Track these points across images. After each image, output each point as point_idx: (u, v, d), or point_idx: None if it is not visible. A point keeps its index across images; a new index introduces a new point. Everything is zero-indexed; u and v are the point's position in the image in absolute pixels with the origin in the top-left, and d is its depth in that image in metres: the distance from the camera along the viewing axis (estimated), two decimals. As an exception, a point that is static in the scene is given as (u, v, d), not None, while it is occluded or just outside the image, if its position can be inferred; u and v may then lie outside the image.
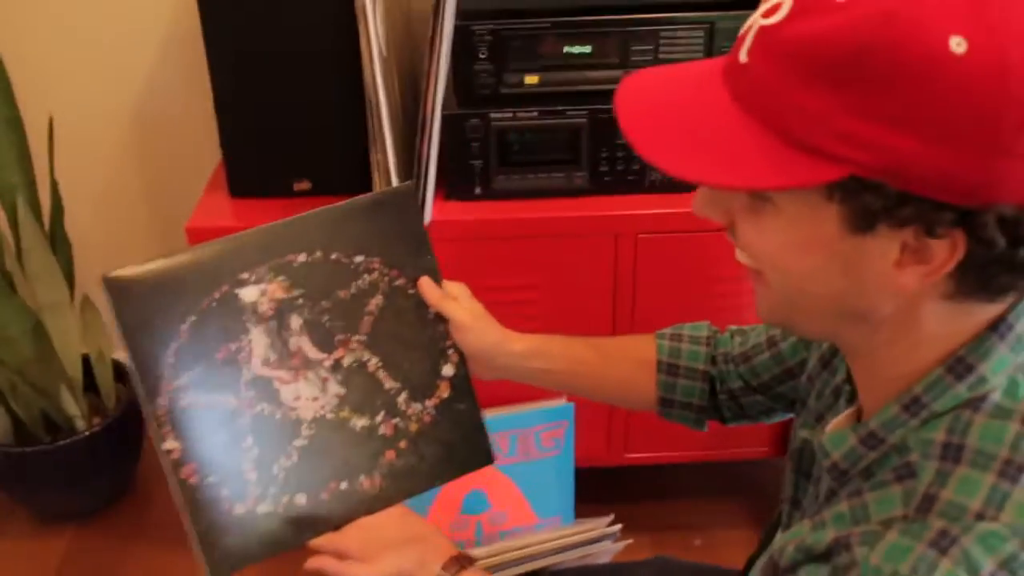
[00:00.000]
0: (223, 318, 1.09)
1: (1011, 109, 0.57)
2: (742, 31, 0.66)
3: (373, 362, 1.13)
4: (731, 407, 1.09)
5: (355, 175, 1.52)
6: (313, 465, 1.10)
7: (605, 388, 1.14)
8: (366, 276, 1.13)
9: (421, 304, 1.14)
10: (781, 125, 0.62)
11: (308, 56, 1.42)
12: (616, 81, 0.69)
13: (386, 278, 1.14)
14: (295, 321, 1.11)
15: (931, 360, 0.70)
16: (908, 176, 0.59)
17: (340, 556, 1.05)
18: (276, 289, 1.11)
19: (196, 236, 1.47)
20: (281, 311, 1.11)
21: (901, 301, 0.67)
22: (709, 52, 1.40)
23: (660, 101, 0.69)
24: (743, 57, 0.64)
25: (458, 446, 1.15)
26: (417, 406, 1.14)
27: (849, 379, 0.84)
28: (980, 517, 0.65)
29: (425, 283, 1.06)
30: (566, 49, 1.41)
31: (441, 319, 1.12)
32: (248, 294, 1.10)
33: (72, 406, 1.78)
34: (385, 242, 1.14)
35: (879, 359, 0.73)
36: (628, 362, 1.11)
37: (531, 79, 1.43)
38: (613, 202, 1.50)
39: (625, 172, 1.48)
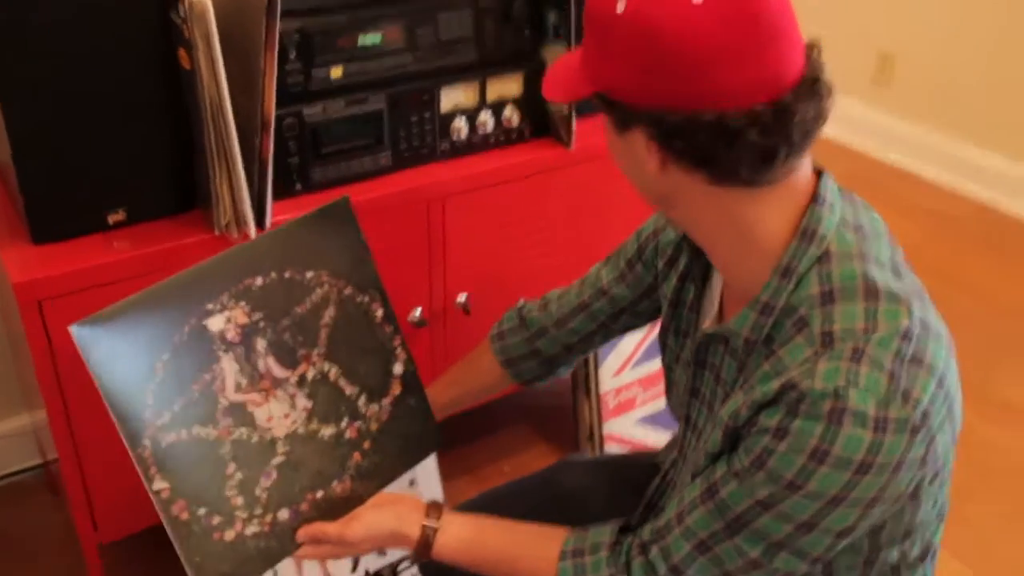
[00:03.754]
0: (194, 351, 1.09)
1: (655, 41, 0.84)
2: None
3: (333, 372, 1.19)
4: (600, 336, 1.31)
5: (172, 194, 1.47)
6: (291, 480, 1.14)
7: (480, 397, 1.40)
8: (318, 290, 1.18)
9: (369, 310, 1.22)
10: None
11: (108, 71, 1.33)
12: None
13: (335, 289, 1.19)
14: (260, 343, 1.13)
15: (785, 237, 0.92)
16: (616, 89, 0.89)
17: (318, 541, 1.13)
18: (239, 315, 1.12)
19: (23, 293, 1.32)
20: (247, 335, 1.12)
21: (671, 185, 0.92)
22: (480, 23, 1.62)
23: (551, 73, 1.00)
24: None
25: (413, 437, 1.25)
26: (375, 407, 1.21)
27: (697, 300, 1.11)
28: (866, 332, 0.87)
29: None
30: (360, 41, 1.52)
31: (389, 321, 1.22)
32: (215, 323, 1.10)
33: None
34: (329, 255, 1.20)
35: (735, 255, 0.96)
36: (479, 376, 1.38)
37: (336, 72, 1.52)
38: (416, 174, 1.65)
39: (420, 147, 1.64)
